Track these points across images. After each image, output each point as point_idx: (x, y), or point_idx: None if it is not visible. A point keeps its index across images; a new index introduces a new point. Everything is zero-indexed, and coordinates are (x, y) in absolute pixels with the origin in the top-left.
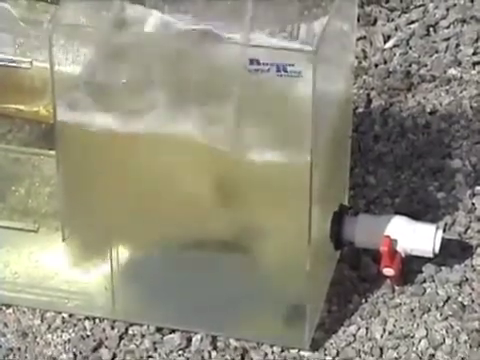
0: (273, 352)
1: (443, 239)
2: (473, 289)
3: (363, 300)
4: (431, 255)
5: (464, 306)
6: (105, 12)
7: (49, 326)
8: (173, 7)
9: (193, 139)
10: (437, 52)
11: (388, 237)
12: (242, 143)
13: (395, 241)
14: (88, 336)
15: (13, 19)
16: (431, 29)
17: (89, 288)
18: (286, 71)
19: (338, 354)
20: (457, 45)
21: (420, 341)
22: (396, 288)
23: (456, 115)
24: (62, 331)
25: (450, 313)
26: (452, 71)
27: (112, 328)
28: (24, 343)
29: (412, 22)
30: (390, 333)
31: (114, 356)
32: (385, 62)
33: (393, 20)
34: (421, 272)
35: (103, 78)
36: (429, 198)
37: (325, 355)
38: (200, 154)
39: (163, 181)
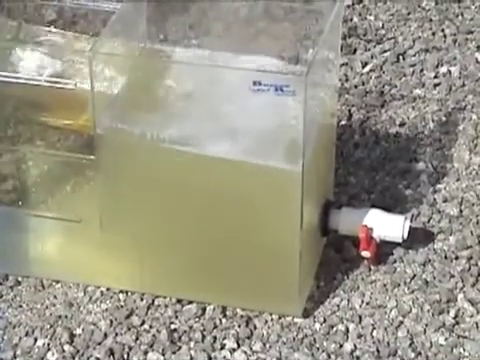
0: (272, 319)
1: (410, 227)
2: (434, 268)
3: (345, 277)
4: (400, 240)
5: (427, 282)
6: (134, 43)
7: (90, 298)
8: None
9: (205, 154)
10: (405, 76)
11: (365, 226)
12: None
13: (371, 229)
14: (122, 306)
15: (61, 48)
16: (400, 57)
17: (123, 267)
18: (282, 91)
19: (325, 321)
20: (421, 70)
21: (391, 310)
22: (372, 267)
23: (420, 127)
24: (101, 302)
25: (416, 287)
26: (417, 91)
27: (141, 299)
28: (70, 311)
29: (385, 51)
30: (367, 304)
31: (143, 322)
32: (363, 84)
33: (369, 50)
34: (392, 254)
35: (134, 98)
36: (399, 194)
37: (314, 322)
38: (213, 166)
39: (179, 186)
